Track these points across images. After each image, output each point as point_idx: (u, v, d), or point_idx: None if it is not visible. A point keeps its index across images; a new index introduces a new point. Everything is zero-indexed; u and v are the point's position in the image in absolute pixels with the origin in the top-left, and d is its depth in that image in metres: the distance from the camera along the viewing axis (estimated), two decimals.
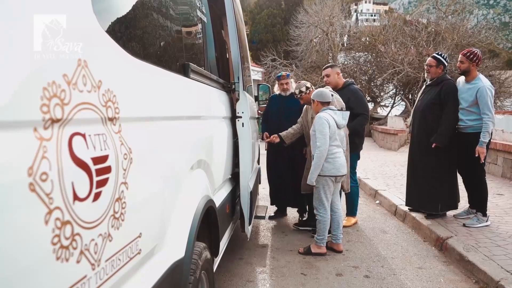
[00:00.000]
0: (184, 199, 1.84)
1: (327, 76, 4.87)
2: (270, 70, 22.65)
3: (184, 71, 2.06)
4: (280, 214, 5.49)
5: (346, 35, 23.85)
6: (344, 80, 4.95)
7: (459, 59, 4.61)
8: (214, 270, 2.69)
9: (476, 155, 4.36)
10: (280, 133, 4.68)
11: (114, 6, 1.42)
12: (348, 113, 4.08)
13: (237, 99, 3.11)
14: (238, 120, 3.10)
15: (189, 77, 2.09)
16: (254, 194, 3.52)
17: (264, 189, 7.19)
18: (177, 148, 1.80)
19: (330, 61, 23.71)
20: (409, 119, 5.64)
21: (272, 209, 5.58)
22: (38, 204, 0.85)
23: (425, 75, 4.94)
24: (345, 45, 23.52)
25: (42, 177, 0.85)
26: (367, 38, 21.66)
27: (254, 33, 30.90)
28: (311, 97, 4.16)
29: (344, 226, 4.85)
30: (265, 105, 6.14)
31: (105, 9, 1.31)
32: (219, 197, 2.88)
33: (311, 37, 23.04)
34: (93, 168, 1.05)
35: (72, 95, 0.99)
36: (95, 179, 1.06)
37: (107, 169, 1.13)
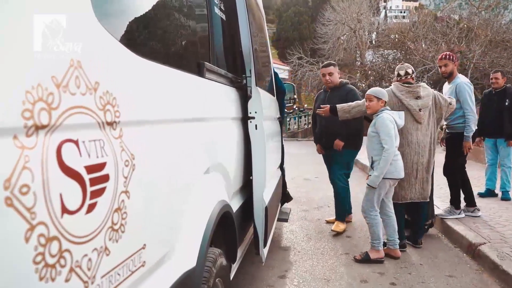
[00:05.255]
0: (196, 204, 1.76)
1: (330, 74, 4.73)
2: (296, 69, 22.48)
3: (198, 70, 1.97)
4: None
5: (375, 32, 23.42)
6: (339, 79, 4.91)
7: (441, 64, 4.75)
8: (232, 277, 2.60)
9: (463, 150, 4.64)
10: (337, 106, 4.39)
11: None
12: (403, 113, 3.95)
13: (250, 97, 2.73)
14: (251, 122, 2.71)
15: (204, 77, 2.00)
16: (271, 209, 3.07)
17: (289, 189, 7.09)
18: (188, 152, 1.70)
19: (358, 59, 23.35)
20: None
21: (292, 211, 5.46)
22: (17, 220, 0.76)
23: None
24: (373, 42, 23.10)
25: (22, 190, 0.78)
26: (396, 35, 21.20)
27: (280, 31, 30.74)
28: (372, 94, 3.92)
29: (334, 230, 4.72)
30: (290, 105, 6.04)
31: (105, 0, 1.22)
32: (238, 201, 2.78)
33: (338, 34, 22.76)
34: (86, 177, 0.97)
35: (62, 99, 0.90)
36: (89, 189, 0.97)
37: (104, 178, 1.04)
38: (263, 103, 2.90)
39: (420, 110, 4.06)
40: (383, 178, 3.78)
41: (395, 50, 20.60)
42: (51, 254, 0.85)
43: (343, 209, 4.91)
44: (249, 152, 2.77)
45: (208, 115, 2.06)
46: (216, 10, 2.51)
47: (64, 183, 0.90)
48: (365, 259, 3.92)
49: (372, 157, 3.83)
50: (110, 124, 1.09)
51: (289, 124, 19.56)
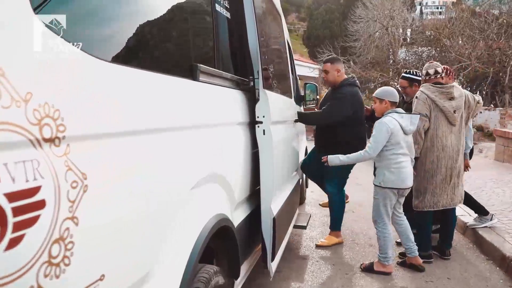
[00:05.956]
0: (181, 222, 1.58)
1: (326, 72, 4.39)
2: None
3: (190, 73, 1.81)
4: None
5: (409, 29, 22.71)
6: (345, 77, 4.39)
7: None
8: None
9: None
10: None
11: None
12: (417, 116, 3.64)
13: (258, 100, 2.55)
14: (258, 126, 2.53)
15: (198, 80, 1.84)
16: (281, 219, 2.87)
17: (313, 192, 6.86)
18: (170, 165, 1.52)
19: (390, 57, 22.70)
20: None
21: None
22: None
23: (404, 98, 4.59)
24: (408, 39, 22.41)
25: None
26: (431, 32, 20.46)
27: (311, 29, 30.37)
28: (374, 95, 3.74)
29: (319, 246, 4.39)
30: (313, 106, 5.80)
31: None
32: (244, 211, 2.60)
33: (370, 32, 22.17)
34: (7, 206, 0.81)
35: None
36: (11, 220, 0.82)
37: (38, 204, 0.89)
38: (274, 106, 2.72)
39: (454, 112, 3.78)
40: (383, 187, 3.55)
41: (430, 48, 19.90)
42: None
43: (335, 218, 4.49)
44: (258, 159, 2.59)
45: (202, 121, 1.89)
46: (218, 8, 2.34)
47: None
48: (368, 269, 3.73)
49: (374, 163, 3.58)
50: (50, 140, 0.94)
51: None
